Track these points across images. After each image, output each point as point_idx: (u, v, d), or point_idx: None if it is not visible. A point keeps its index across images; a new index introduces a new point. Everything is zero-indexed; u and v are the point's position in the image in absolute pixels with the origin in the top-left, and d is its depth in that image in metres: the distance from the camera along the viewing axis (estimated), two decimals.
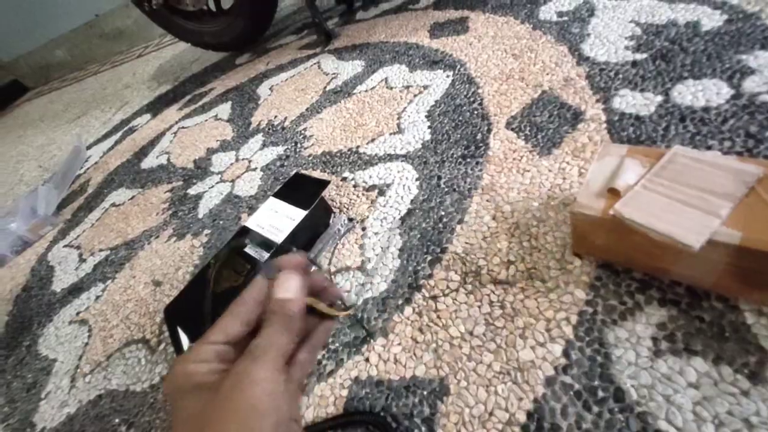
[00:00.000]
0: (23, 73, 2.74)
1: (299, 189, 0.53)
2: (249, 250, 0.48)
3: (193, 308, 0.45)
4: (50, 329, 0.63)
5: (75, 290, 0.68)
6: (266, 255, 0.46)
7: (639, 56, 0.54)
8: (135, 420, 0.44)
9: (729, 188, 0.28)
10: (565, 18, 0.69)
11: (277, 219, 0.50)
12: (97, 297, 0.64)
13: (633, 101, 0.49)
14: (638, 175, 0.32)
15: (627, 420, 0.28)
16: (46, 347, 0.60)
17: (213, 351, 0.19)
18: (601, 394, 0.30)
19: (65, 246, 0.82)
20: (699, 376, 0.28)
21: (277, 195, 0.54)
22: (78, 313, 0.63)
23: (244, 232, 0.51)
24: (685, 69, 0.49)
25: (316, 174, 0.64)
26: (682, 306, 0.31)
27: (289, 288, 0.21)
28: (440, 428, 0.32)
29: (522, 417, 0.30)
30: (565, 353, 0.32)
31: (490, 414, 0.31)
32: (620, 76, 0.53)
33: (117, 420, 0.45)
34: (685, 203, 0.28)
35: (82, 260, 0.75)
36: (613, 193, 0.32)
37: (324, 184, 0.52)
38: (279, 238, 0.47)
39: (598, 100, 0.51)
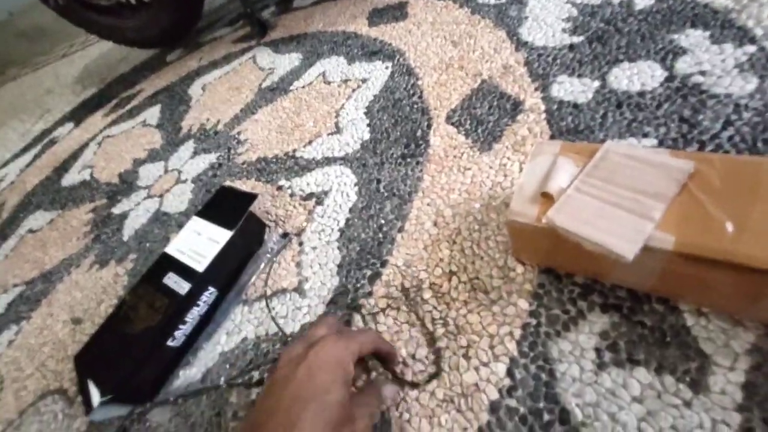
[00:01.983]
0: None
1: (224, 205, 0.48)
2: (167, 280, 0.42)
3: (106, 355, 0.39)
4: None
5: None
6: (187, 286, 0.41)
7: (576, 39, 0.52)
8: None
9: (661, 187, 0.26)
10: (503, 0, 0.66)
11: (200, 242, 0.44)
12: (10, 342, 0.57)
13: (571, 88, 0.47)
14: (571, 175, 0.29)
15: None
16: None
17: (358, 354, 0.27)
18: (546, 417, 0.28)
19: None
20: (642, 389, 0.26)
21: (199, 214, 0.48)
22: None
23: (164, 261, 0.45)
24: (621, 51, 0.48)
25: (250, 184, 0.58)
26: (624, 311, 0.30)
27: (392, 395, 0.31)
28: None
29: None
30: (510, 373, 0.30)
31: None
32: (558, 61, 0.51)
33: None
34: (617, 206, 0.26)
35: None
36: (547, 197, 0.29)
37: (251, 198, 0.47)
38: (202, 265, 0.42)
39: (536, 89, 0.49)
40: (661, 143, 0.38)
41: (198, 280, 0.41)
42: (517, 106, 0.48)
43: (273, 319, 0.40)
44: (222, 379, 0.38)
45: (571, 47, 0.52)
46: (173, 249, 0.46)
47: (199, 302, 0.42)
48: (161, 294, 0.41)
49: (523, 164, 0.42)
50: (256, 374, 0.38)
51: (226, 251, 0.43)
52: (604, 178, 0.28)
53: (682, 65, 0.43)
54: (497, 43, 0.59)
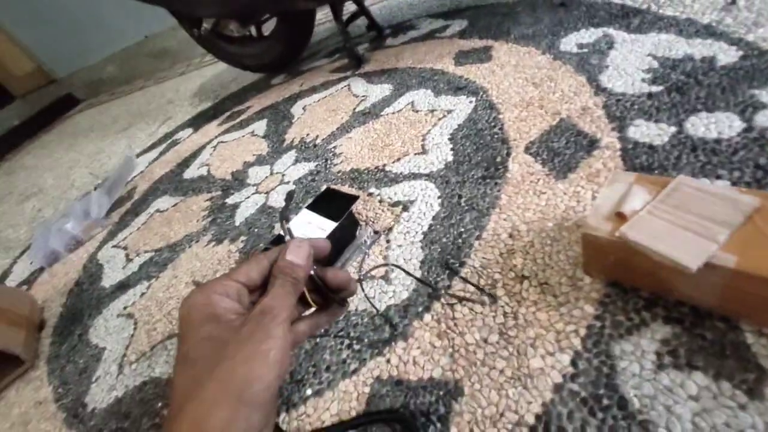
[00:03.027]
0: (76, 88, 2.99)
1: (330, 202, 0.58)
2: None
3: None
4: (99, 321, 0.70)
5: (122, 287, 0.75)
6: None
7: (655, 88, 0.57)
8: None
9: (727, 216, 0.31)
10: (585, 50, 0.73)
11: (310, 229, 0.55)
12: (142, 294, 0.71)
13: (647, 131, 0.52)
14: (644, 201, 0.35)
15: (629, 426, 0.30)
16: (96, 337, 0.67)
17: (235, 288, 0.23)
18: (605, 401, 0.32)
19: (113, 246, 0.90)
20: (699, 390, 0.30)
21: (309, 207, 0.59)
22: (125, 308, 0.69)
23: (279, 240, 0.56)
24: (699, 102, 0.52)
25: (345, 189, 0.69)
26: (685, 324, 0.34)
27: (299, 255, 0.24)
28: (454, 426, 0.35)
29: (531, 419, 0.33)
30: (573, 363, 0.35)
31: (501, 415, 0.34)
32: (636, 106, 0.56)
33: (160, 404, 0.50)
34: (685, 228, 0.31)
35: (128, 260, 0.82)
36: (620, 217, 0.35)
37: (353, 199, 0.56)
38: None
39: (613, 129, 0.54)
40: (733, 185, 0.41)
41: None
42: (593, 143, 0.54)
43: (366, 297, 0.48)
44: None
45: (650, 95, 0.57)
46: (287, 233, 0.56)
47: None
48: None
49: (596, 193, 0.47)
50: (346, 340, 0.46)
51: (329, 238, 0.53)
52: (675, 206, 0.33)
53: (762, 118, 0.46)
54: (577, 87, 0.65)
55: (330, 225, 0.54)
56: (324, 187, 0.66)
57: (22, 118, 2.72)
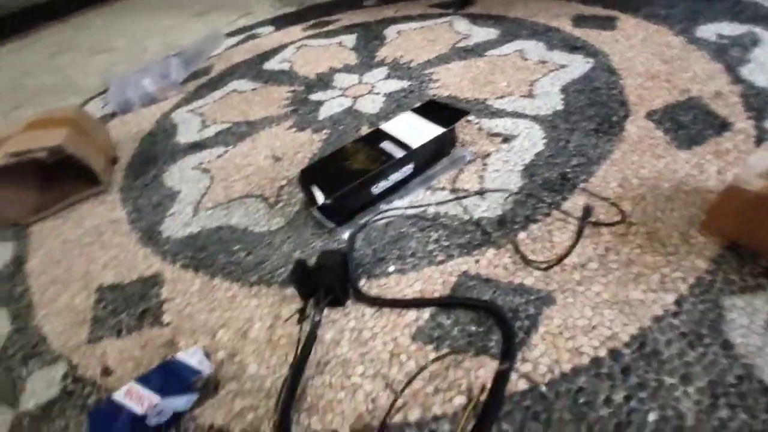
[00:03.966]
0: None
1: (437, 111, 0.58)
2: (384, 146, 0.53)
3: (328, 174, 0.51)
4: (174, 169, 0.72)
5: (197, 146, 0.77)
6: (401, 153, 0.51)
7: None
8: (253, 251, 0.51)
9: None
10: (725, 41, 0.69)
11: (414, 130, 0.54)
12: (219, 156, 0.72)
13: None
14: None
15: (731, 365, 0.31)
16: (171, 180, 0.69)
17: None
18: (707, 340, 0.32)
19: (188, 111, 0.91)
20: None
21: (414, 111, 0.58)
22: (200, 164, 0.71)
23: (380, 133, 0.56)
24: None
25: None
26: None
27: None
28: (543, 326, 0.36)
29: (625, 337, 0.34)
30: (677, 303, 0.35)
31: (594, 327, 0.35)
32: None
33: (237, 247, 0.52)
34: None
35: (204, 126, 0.83)
36: None
37: (463, 112, 0.56)
38: (416, 143, 0.52)
39: (750, 117, 0.52)
40: None
41: (410, 152, 0.51)
42: (725, 125, 0.52)
43: (459, 202, 0.49)
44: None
45: None
46: (388, 128, 0.56)
47: (402, 169, 0.52)
48: (377, 153, 0.52)
49: (722, 169, 0.46)
50: (434, 235, 0.47)
51: (433, 141, 0.53)
52: None
53: None
54: (712, 72, 0.62)
55: (437, 129, 0.53)
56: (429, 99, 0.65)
57: None
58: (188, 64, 1.09)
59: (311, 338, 0.36)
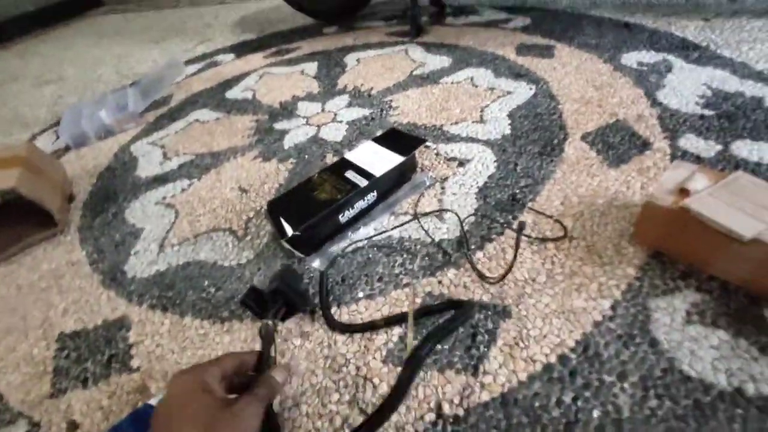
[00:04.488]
0: None
1: (396, 141, 0.61)
2: (348, 175, 0.56)
3: (296, 205, 0.53)
4: (136, 204, 0.71)
5: (160, 180, 0.76)
6: (365, 182, 0.54)
7: (707, 112, 0.63)
8: (223, 286, 0.52)
9: None
10: (645, 68, 0.78)
11: (377, 158, 0.58)
12: (183, 189, 0.72)
13: (696, 144, 0.57)
14: (705, 185, 0.40)
15: (658, 360, 0.36)
16: (133, 217, 0.68)
17: (220, 374, 0.31)
18: (638, 339, 0.37)
19: (149, 143, 0.90)
20: (720, 342, 0.36)
21: (375, 140, 0.62)
22: (164, 198, 0.71)
23: (344, 162, 0.59)
24: (746, 131, 0.58)
25: None
26: (714, 295, 0.39)
27: (282, 377, 0.34)
28: (501, 339, 0.40)
29: (571, 342, 0.38)
30: (612, 308, 0.40)
31: (545, 336, 0.39)
32: (688, 123, 0.62)
33: (206, 282, 0.53)
34: (740, 210, 0.37)
35: (166, 158, 0.83)
36: (683, 194, 0.40)
37: (421, 141, 0.60)
38: (378, 172, 0.55)
39: (665, 137, 0.60)
40: None
41: (373, 180, 0.54)
42: (646, 145, 0.59)
43: (422, 227, 0.52)
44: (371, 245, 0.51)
45: (702, 117, 0.62)
46: (352, 157, 0.59)
47: (366, 197, 0.55)
48: (343, 182, 0.55)
49: (644, 185, 0.53)
50: (399, 259, 0.50)
51: (394, 169, 0.56)
52: (732, 192, 0.39)
53: None
54: (635, 97, 0.70)
55: (397, 158, 0.57)
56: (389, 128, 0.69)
57: (38, 5, 2.58)
58: (147, 94, 1.08)
59: (267, 341, 0.35)
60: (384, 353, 0.40)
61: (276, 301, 0.39)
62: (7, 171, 0.63)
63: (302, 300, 0.42)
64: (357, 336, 0.43)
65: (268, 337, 0.35)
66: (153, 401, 0.38)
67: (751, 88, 0.66)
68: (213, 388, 0.29)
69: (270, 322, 0.36)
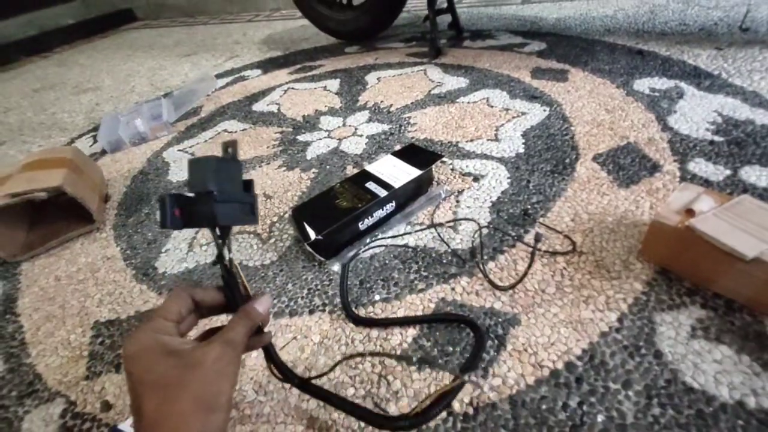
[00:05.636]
0: (137, 6, 3.03)
1: (414, 155, 0.65)
2: (369, 186, 0.59)
3: (318, 212, 0.56)
4: None
5: None
6: (384, 193, 0.57)
7: (717, 138, 0.65)
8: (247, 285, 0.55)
9: None
10: (657, 94, 0.81)
11: (396, 171, 0.61)
12: None
13: (705, 168, 0.59)
14: (710, 206, 0.42)
15: (662, 371, 0.37)
16: None
17: (173, 326, 0.27)
18: (643, 351, 0.39)
19: (179, 150, 0.95)
20: (723, 357, 0.37)
21: (395, 154, 0.65)
22: None
23: (365, 174, 0.62)
24: (755, 157, 0.60)
25: None
26: (719, 312, 0.41)
27: (265, 309, 0.31)
28: (510, 344, 0.42)
29: (578, 351, 0.40)
30: (619, 320, 0.42)
31: (552, 344, 0.41)
32: (698, 148, 0.64)
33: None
34: (744, 231, 0.38)
35: None
36: (689, 214, 0.42)
37: (438, 156, 0.63)
38: (397, 183, 0.58)
39: (675, 160, 0.62)
40: None
41: (392, 191, 0.57)
42: (656, 167, 0.61)
43: (439, 236, 0.55)
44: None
45: (711, 142, 0.64)
46: (373, 169, 0.63)
47: (385, 207, 0.58)
48: (364, 192, 0.58)
49: (654, 205, 0.55)
50: (414, 266, 0.52)
51: (412, 182, 0.59)
52: (737, 214, 0.41)
53: None
54: (646, 121, 0.73)
55: (415, 171, 0.60)
56: (408, 143, 0.73)
57: (78, 19, 2.76)
58: (179, 105, 1.14)
59: (232, 276, 0.31)
60: (398, 352, 0.43)
61: (205, 212, 0.29)
62: (55, 171, 0.68)
63: (244, 213, 0.32)
64: (374, 335, 0.45)
65: (231, 272, 0.31)
66: None
67: (761, 117, 0.68)
68: (166, 342, 0.25)
69: (228, 256, 0.31)
